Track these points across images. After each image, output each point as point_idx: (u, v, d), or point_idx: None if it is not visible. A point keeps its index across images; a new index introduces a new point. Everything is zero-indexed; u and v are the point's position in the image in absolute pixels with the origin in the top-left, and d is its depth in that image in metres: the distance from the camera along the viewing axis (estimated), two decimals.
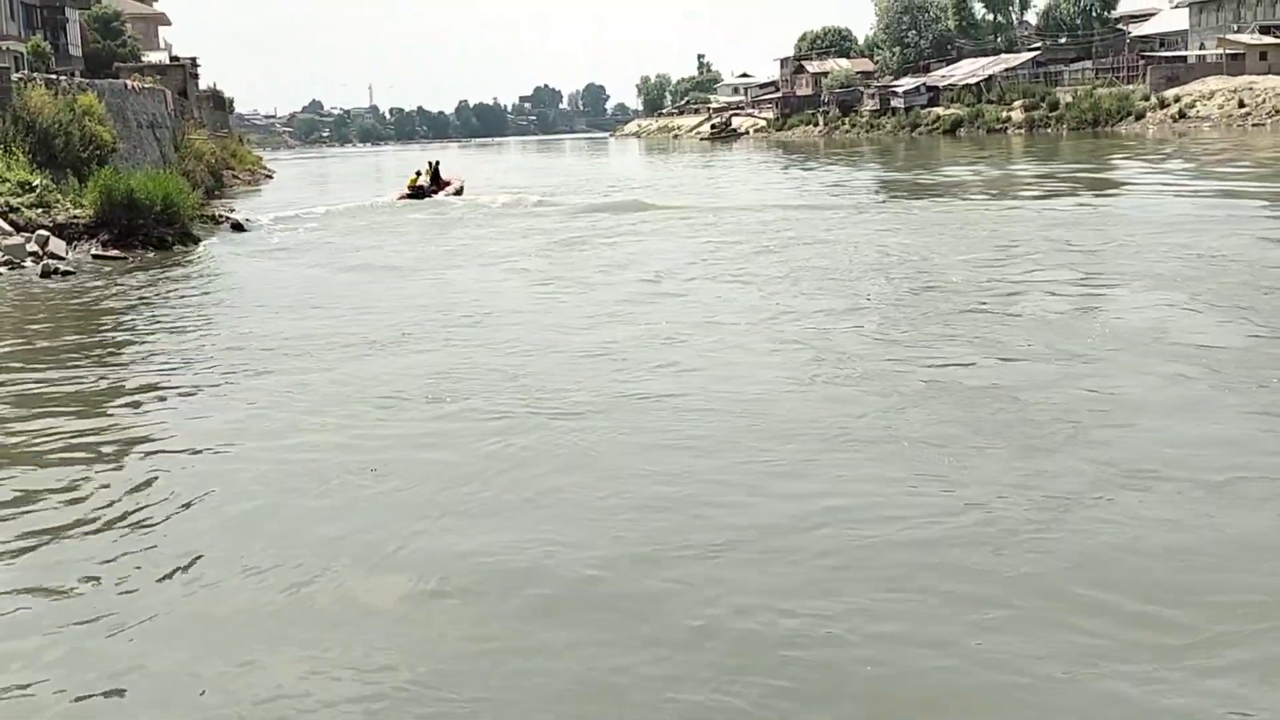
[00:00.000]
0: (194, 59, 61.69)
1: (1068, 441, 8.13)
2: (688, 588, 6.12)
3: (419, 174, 36.98)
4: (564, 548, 6.73)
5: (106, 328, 14.88)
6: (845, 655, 5.37)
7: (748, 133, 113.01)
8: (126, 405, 10.58)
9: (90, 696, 5.30)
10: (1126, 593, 5.83)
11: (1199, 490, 7.13)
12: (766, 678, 5.19)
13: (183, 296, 17.40)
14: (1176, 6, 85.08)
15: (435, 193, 36.14)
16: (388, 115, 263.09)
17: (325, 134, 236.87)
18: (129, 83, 36.33)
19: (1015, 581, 6.00)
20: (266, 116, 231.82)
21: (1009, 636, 5.47)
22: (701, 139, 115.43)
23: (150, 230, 23.38)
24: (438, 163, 39.10)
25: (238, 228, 28.33)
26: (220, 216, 28.97)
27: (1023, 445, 8.09)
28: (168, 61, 56.98)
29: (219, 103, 68.21)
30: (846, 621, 5.68)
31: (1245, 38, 69.83)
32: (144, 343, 13.73)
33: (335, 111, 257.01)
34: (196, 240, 24.73)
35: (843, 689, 5.13)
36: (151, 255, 22.34)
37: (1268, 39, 68.54)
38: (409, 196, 35.47)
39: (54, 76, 30.30)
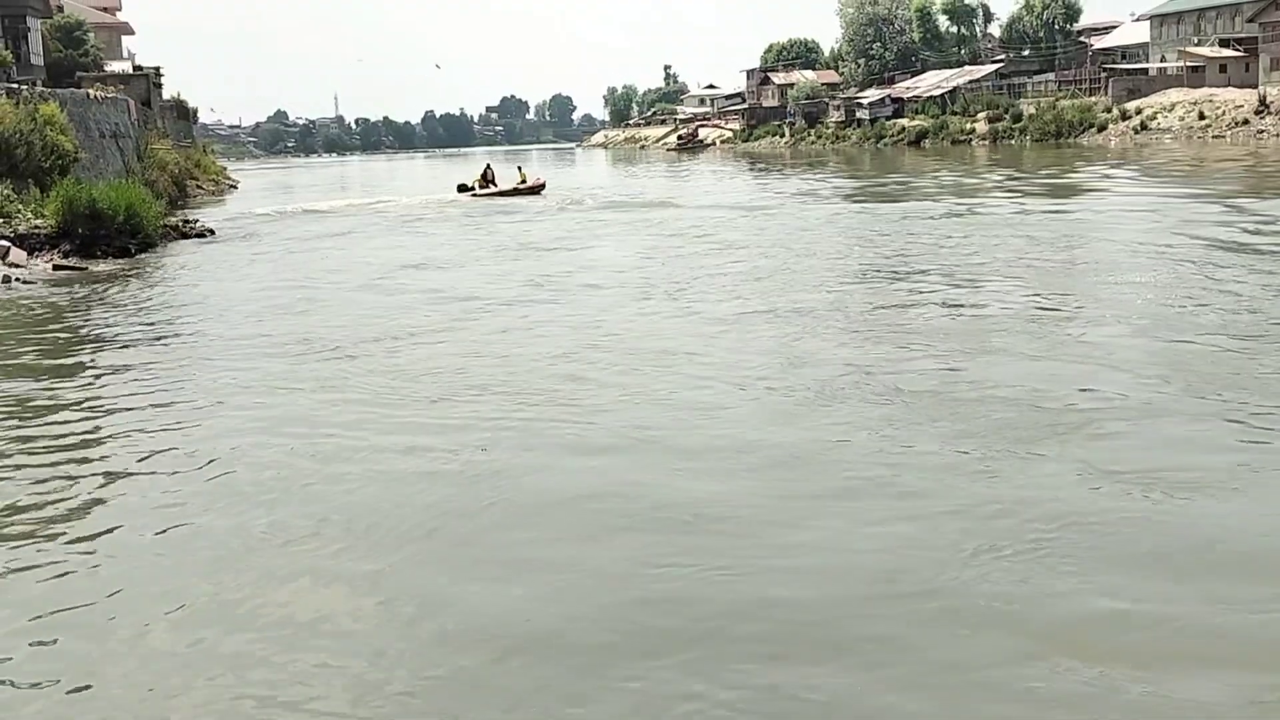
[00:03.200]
0: (158, 68, 61.13)
1: (1039, 443, 8.19)
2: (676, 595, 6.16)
3: (483, 176, 43.73)
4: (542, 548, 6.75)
5: (67, 336, 14.74)
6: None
7: (714, 144, 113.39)
8: (86, 412, 10.47)
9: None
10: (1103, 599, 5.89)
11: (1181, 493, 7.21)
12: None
13: (144, 306, 17.25)
14: (1138, 19, 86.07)
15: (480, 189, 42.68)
16: (353, 125, 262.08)
17: (290, 144, 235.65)
18: (91, 92, 36.02)
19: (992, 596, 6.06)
20: (231, 126, 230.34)
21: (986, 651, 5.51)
22: (668, 150, 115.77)
23: (113, 240, 23.21)
24: (520, 167, 47.29)
25: (201, 236, 28.18)
26: (184, 226, 28.74)
27: (1006, 450, 8.15)
28: (131, 71, 56.37)
29: (183, 112, 67.69)
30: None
31: (1205, 50, 70.68)
32: (105, 350, 13.58)
33: (300, 121, 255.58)
34: (159, 249, 24.62)
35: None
36: (114, 265, 22.15)
37: (1227, 52, 69.41)
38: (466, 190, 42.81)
39: (15, 86, 30.03)
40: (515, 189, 42.48)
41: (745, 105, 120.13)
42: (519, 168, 46.17)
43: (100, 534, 7.40)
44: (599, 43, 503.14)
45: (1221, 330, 11.90)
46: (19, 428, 10.01)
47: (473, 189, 42.64)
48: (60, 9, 54.42)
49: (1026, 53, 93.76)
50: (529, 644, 5.65)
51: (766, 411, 9.56)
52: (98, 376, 12.23)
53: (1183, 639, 5.46)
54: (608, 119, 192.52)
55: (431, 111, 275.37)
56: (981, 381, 10.19)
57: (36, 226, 22.94)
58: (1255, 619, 5.63)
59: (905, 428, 8.85)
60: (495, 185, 42.88)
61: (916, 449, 8.33)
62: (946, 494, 7.39)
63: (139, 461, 8.91)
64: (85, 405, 10.90)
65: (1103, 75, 76.34)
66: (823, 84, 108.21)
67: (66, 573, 6.76)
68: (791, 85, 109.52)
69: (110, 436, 9.73)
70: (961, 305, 14.40)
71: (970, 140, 76.44)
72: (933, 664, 5.32)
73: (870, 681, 5.21)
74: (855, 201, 34.17)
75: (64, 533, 7.42)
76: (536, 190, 42.34)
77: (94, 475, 8.61)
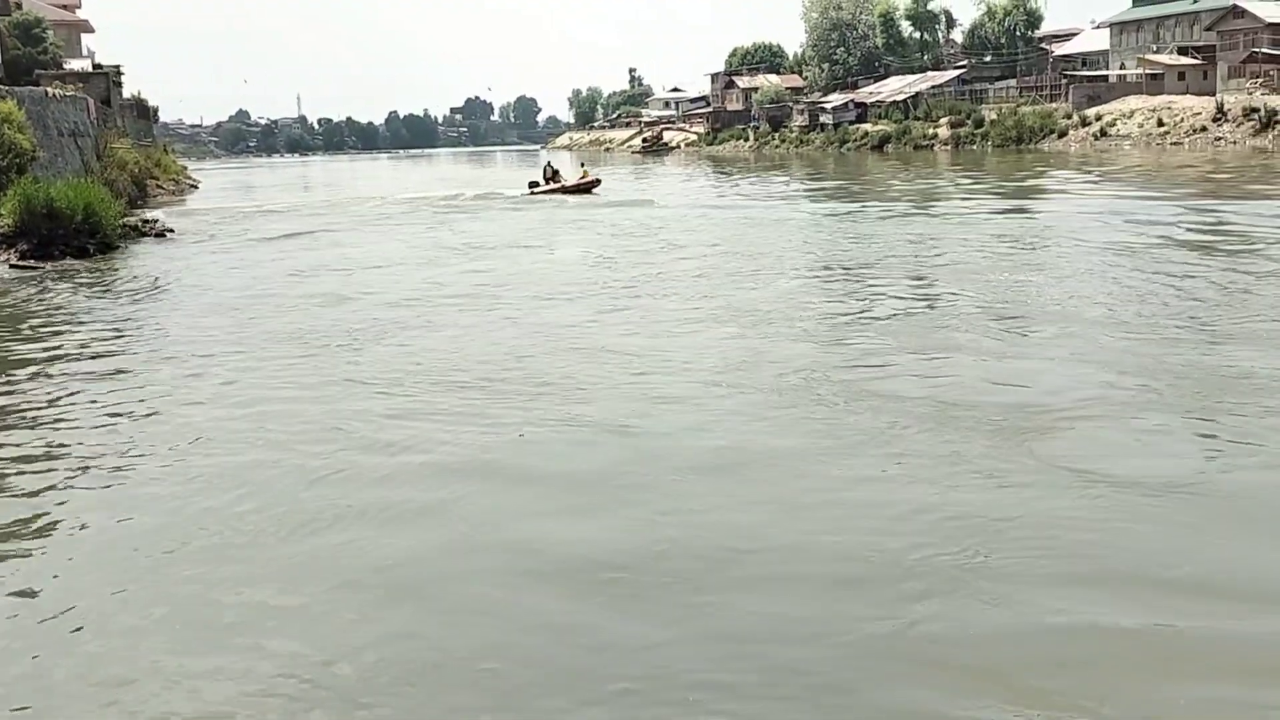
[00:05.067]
0: (118, 67, 60.51)
1: (996, 441, 8.26)
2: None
3: (545, 174, 45.30)
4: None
5: (23, 335, 14.59)
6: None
7: (679, 147, 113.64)
8: (42, 409, 10.37)
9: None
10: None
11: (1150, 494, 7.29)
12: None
13: (102, 305, 17.12)
14: (1098, 27, 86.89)
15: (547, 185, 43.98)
16: (316, 126, 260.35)
17: (252, 144, 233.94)
18: (50, 90, 35.62)
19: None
20: (192, 126, 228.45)
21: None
22: (633, 152, 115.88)
23: (71, 240, 23.00)
24: (582, 165, 49.51)
25: (161, 236, 27.97)
26: (143, 226, 28.50)
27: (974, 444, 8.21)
28: (90, 69, 55.76)
29: (143, 111, 67.07)
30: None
31: (1164, 58, 71.47)
32: (61, 349, 13.46)
33: (262, 121, 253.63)
34: (118, 249, 24.42)
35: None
36: (72, 264, 21.95)
37: (1185, 60, 70.22)
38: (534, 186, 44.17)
39: None
40: (564, 186, 43.19)
41: (710, 109, 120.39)
42: (581, 164, 47.88)
43: (63, 523, 7.36)
44: (564, 44, 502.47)
45: (1177, 329, 12.03)
46: None
47: (541, 186, 43.80)
48: (18, 6, 53.85)
49: (988, 59, 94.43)
50: (517, 633, 5.66)
51: (734, 411, 9.59)
52: (54, 374, 12.11)
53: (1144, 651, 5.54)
54: (573, 121, 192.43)
55: (395, 112, 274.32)
56: (939, 381, 10.26)
57: None
58: (1222, 628, 5.70)
59: (861, 427, 8.90)
60: (559, 182, 43.84)
61: (871, 449, 8.39)
62: (902, 500, 7.43)
63: (98, 451, 8.86)
64: (42, 402, 10.79)
65: (1063, 82, 77.03)
66: (787, 88, 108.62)
67: (35, 565, 6.72)
68: (756, 89, 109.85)
69: (65, 430, 9.64)
70: (919, 306, 14.49)
71: (933, 145, 76.95)
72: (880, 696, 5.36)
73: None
74: (817, 203, 34.29)
75: (29, 524, 7.37)
76: (590, 188, 42.90)
77: (53, 466, 8.55)
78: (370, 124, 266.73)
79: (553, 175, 44.76)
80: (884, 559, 6.49)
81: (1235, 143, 56.71)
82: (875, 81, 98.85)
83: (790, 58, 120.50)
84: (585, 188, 42.81)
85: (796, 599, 6.07)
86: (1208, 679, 5.19)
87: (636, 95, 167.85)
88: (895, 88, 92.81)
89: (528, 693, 5.24)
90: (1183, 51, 71.51)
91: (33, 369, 12.62)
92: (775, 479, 7.97)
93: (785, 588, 6.22)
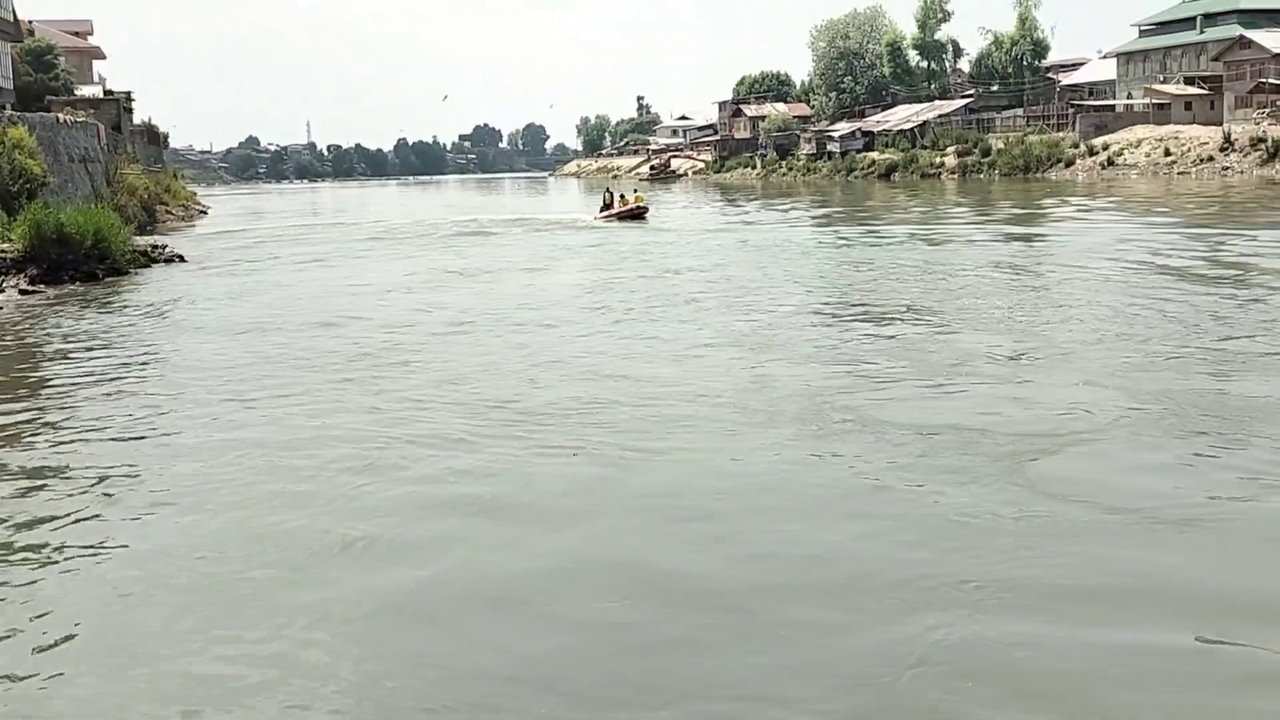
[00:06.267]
0: (129, 93, 61.12)
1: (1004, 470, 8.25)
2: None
3: (606, 200, 45.47)
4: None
5: (33, 360, 14.63)
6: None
7: (686, 174, 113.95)
8: (53, 436, 10.38)
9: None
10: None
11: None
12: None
13: (112, 329, 17.13)
14: (1105, 56, 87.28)
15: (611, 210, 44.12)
16: (325, 152, 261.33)
17: (262, 170, 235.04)
18: (61, 116, 35.86)
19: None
20: (202, 152, 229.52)
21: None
22: (641, 179, 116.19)
23: (80, 265, 23.11)
24: (635, 190, 49.61)
25: (170, 262, 28.06)
26: (153, 251, 28.59)
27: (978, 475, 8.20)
28: (102, 95, 56.24)
29: (153, 137, 67.52)
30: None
31: (1171, 88, 71.70)
32: (70, 372, 13.47)
33: (272, 147, 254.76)
34: (128, 274, 24.52)
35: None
36: (82, 289, 22.03)
37: (1192, 90, 70.44)
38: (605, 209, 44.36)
39: None
40: (617, 212, 43.27)
41: (717, 137, 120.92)
42: (634, 190, 48.93)
43: (75, 546, 7.36)
44: (572, 72, 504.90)
45: (1187, 357, 12.00)
46: None
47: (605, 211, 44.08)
48: (31, 33, 54.21)
49: (995, 88, 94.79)
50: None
51: (745, 436, 9.59)
52: (62, 398, 12.13)
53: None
54: (581, 149, 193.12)
55: (404, 139, 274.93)
56: (947, 407, 10.24)
57: (3, 250, 22.80)
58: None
59: (870, 452, 8.89)
60: (620, 206, 43.86)
61: (879, 474, 8.38)
62: (910, 525, 7.41)
63: (108, 476, 8.86)
64: (50, 426, 10.80)
65: (1070, 111, 77.24)
66: (794, 116, 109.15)
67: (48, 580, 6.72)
68: (763, 117, 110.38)
69: (74, 455, 9.64)
70: (925, 332, 14.47)
71: (939, 174, 77.10)
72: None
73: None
74: (823, 230, 34.34)
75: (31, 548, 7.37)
76: (642, 213, 42.96)
77: (62, 491, 8.55)
78: (379, 150, 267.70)
79: (614, 200, 44.59)
80: (893, 583, 6.48)
81: (1243, 172, 56.80)
82: (882, 110, 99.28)
83: (798, 86, 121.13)
84: (639, 213, 42.80)
85: (812, 611, 6.07)
86: (1215, 696, 5.19)
87: (644, 123, 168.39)
88: (902, 116, 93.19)
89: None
90: (1189, 82, 71.75)
91: (42, 392, 12.65)
92: (788, 505, 7.97)
93: (803, 601, 6.21)
